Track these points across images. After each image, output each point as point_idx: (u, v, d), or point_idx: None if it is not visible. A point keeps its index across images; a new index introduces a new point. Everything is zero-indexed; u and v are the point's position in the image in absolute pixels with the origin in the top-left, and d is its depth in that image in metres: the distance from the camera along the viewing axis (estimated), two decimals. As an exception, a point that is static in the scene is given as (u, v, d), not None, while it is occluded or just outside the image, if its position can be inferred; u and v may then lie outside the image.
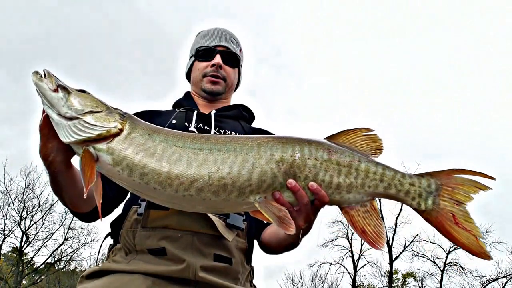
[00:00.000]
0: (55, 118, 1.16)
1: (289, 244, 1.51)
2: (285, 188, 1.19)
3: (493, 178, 1.26)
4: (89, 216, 1.50)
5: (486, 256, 1.19)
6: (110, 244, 1.57)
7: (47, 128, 1.20)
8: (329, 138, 1.32)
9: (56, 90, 1.18)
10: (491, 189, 1.27)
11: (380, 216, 1.29)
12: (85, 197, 1.07)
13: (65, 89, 1.19)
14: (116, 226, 1.56)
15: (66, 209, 1.48)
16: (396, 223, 23.98)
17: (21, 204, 23.43)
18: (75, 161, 1.33)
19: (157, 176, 1.13)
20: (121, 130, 1.18)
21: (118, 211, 1.61)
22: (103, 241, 1.59)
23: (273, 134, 1.79)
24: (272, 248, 1.60)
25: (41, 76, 1.20)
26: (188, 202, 1.16)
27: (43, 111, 1.20)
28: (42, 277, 25.40)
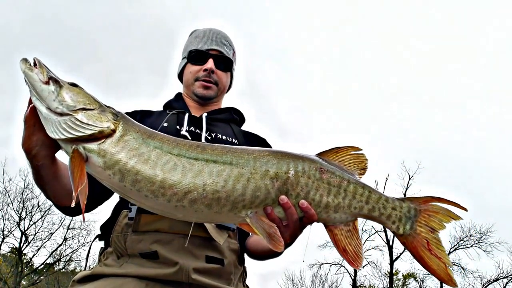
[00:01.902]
0: (44, 112, 1.09)
1: (273, 253, 1.54)
2: (276, 204, 1.21)
3: (466, 209, 1.35)
4: (72, 210, 1.45)
5: (452, 284, 1.29)
6: (101, 248, 1.54)
7: (33, 120, 1.13)
8: (320, 154, 1.34)
9: (47, 83, 1.10)
10: (462, 219, 1.37)
11: (360, 236, 1.36)
12: (73, 202, 1.02)
13: (57, 82, 1.11)
14: (106, 229, 1.52)
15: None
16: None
17: (20, 204, 23.02)
18: (59, 155, 1.29)
19: (150, 184, 1.09)
20: (113, 131, 1.12)
21: (107, 212, 1.57)
22: (92, 243, 1.56)
23: (265, 139, 1.84)
24: (257, 254, 1.63)
25: (31, 65, 1.11)
26: (180, 212, 1.14)
27: (29, 102, 1.12)
28: (41, 277, 24.88)
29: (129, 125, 1.17)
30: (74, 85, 1.17)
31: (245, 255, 1.66)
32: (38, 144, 1.17)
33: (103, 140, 1.10)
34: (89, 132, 1.09)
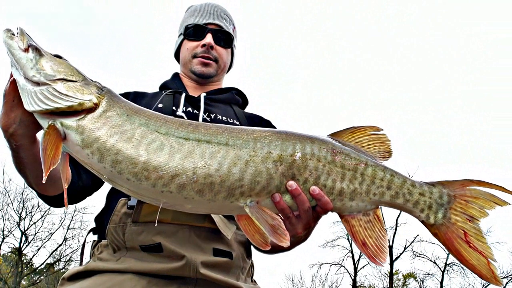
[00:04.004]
0: (21, 82, 1.01)
1: (282, 248, 1.37)
2: (281, 191, 1.06)
3: None
4: (56, 200, 1.36)
5: (496, 281, 1.09)
6: (94, 241, 1.43)
7: (12, 94, 1.05)
8: (333, 135, 1.18)
9: (26, 50, 1.03)
10: (510, 204, 1.15)
11: (384, 227, 1.17)
12: (43, 181, 0.92)
13: (37, 50, 1.04)
14: (101, 220, 1.42)
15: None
16: (396, 223, 23.95)
17: (20, 204, 23.33)
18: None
19: (132, 166, 0.97)
20: (96, 106, 1.02)
21: (101, 202, 1.46)
22: (86, 236, 1.46)
23: (269, 121, 1.69)
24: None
25: (13, 34, 1.05)
26: (167, 199, 1.01)
27: (11, 75, 1.05)
28: (41, 277, 25.36)
29: (114, 100, 1.06)
30: (57, 56, 1.09)
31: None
32: (16, 122, 1.08)
33: (83, 115, 1.00)
34: (68, 104, 0.99)
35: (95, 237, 1.46)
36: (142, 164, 0.98)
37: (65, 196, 0.99)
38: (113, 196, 1.40)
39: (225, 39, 1.64)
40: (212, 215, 1.32)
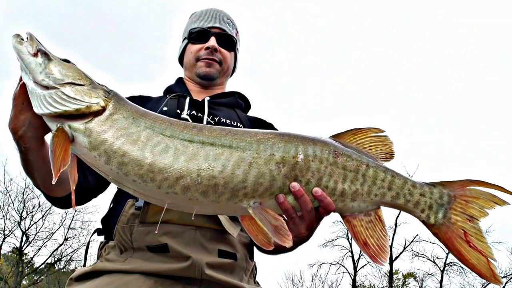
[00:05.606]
0: (30, 86, 1.04)
1: (285, 248, 1.40)
2: (284, 192, 1.08)
3: (511, 193, 1.15)
4: (63, 201, 1.38)
5: (495, 280, 1.10)
6: (101, 242, 1.45)
7: (22, 97, 1.08)
8: (335, 137, 1.20)
9: (35, 55, 1.06)
10: (509, 204, 1.17)
11: (385, 227, 1.19)
12: (53, 183, 0.95)
13: (46, 54, 1.07)
14: (108, 221, 1.44)
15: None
16: (396, 223, 23.98)
17: (21, 204, 23.30)
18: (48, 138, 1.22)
19: (138, 168, 1.00)
20: (103, 109, 1.05)
21: (103, 203, 1.50)
22: (91, 236, 1.48)
23: (271, 124, 1.72)
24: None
25: (22, 39, 1.08)
26: (172, 200, 1.04)
27: (20, 79, 1.08)
28: (42, 277, 25.35)
29: (120, 103, 1.08)
30: (66, 60, 1.12)
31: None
32: (25, 124, 1.11)
33: (90, 118, 1.03)
34: (76, 107, 1.02)
35: (100, 238, 1.48)
36: (147, 166, 1.00)
37: (73, 197, 1.02)
38: (121, 198, 1.43)
39: (228, 42, 1.68)
40: (219, 215, 1.34)
